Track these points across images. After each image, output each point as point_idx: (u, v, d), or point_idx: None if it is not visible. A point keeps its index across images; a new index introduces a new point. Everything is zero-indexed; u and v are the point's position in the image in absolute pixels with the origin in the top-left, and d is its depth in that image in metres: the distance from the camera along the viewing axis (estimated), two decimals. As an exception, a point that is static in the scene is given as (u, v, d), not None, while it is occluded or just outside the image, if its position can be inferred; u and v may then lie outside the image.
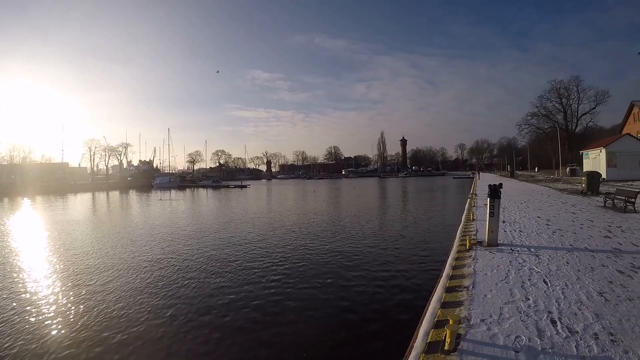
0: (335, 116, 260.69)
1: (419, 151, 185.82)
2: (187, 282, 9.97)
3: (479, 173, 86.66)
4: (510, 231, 10.47)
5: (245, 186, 76.25)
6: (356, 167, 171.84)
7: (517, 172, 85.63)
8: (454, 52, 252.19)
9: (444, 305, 5.12)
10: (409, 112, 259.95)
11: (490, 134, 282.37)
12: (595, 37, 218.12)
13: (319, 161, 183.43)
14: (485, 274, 6.39)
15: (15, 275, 10.82)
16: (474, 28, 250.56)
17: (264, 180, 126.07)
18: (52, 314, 7.71)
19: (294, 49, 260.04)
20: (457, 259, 7.61)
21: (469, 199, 22.50)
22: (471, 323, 4.42)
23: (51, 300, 8.55)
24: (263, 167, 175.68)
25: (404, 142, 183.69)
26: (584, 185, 23.04)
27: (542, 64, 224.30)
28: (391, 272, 10.58)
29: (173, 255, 13.26)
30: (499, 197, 8.65)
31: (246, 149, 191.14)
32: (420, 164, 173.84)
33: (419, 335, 4.36)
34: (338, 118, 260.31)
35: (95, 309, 7.91)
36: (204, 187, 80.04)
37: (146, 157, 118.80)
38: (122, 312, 7.74)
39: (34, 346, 6.27)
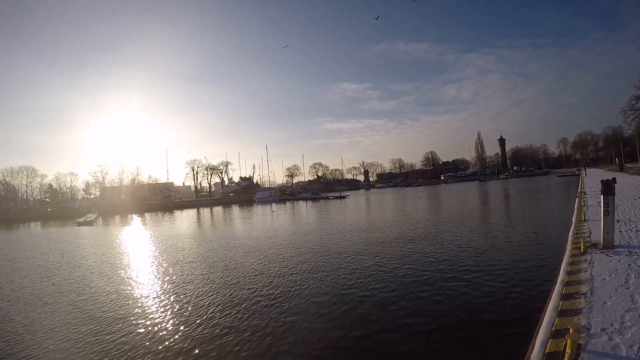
0: (427, 121, 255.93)
1: (519, 150, 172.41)
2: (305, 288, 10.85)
3: (585, 169, 78.02)
4: (626, 231, 9.69)
5: (344, 197, 76.78)
6: (455, 171, 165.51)
7: (626, 164, 74.82)
8: (540, 42, 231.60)
9: (561, 313, 5.04)
10: (502, 109, 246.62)
11: (593, 125, 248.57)
12: None
13: (416, 168, 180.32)
14: (603, 279, 6.23)
15: (147, 282, 12.84)
16: (555, 12, 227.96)
17: (362, 190, 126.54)
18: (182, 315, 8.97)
19: (377, 58, 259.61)
20: (571, 263, 7.42)
21: (577, 198, 20.84)
22: (591, 332, 4.36)
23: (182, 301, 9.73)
24: (361, 177, 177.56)
25: (502, 141, 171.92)
26: None
27: (636, 40, 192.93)
28: (501, 279, 10.49)
29: (288, 264, 14.63)
30: (613, 194, 8.19)
31: (342, 160, 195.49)
32: (521, 164, 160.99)
33: (535, 345, 4.27)
34: (431, 122, 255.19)
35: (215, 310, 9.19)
36: (303, 199, 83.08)
37: (246, 174, 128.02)
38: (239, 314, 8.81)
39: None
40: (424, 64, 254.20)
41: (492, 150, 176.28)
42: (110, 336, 8.55)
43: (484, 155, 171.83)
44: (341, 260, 14.85)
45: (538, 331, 4.73)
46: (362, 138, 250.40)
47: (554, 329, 4.63)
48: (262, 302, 10.24)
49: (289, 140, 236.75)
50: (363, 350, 7.02)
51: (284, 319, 8.85)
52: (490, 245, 15.62)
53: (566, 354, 3.91)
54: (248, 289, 11.77)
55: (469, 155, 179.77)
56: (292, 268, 14.19)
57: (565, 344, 4.00)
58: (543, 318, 5.12)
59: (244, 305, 10.08)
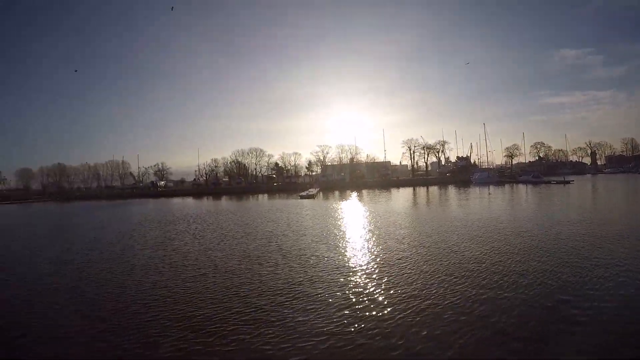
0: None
1: None
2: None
3: None
4: None
5: (568, 182, 64.80)
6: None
7: None
8: None
9: None
10: None
11: None
12: None
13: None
14: None
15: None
16: None
17: (588, 175, 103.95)
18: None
19: (595, 14, 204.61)
20: None
21: None
22: None
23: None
24: (587, 160, 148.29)
25: None
26: None
27: None
28: None
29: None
30: None
31: (567, 140, 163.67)
32: None
33: None
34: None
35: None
36: (523, 182, 75.16)
37: (463, 153, 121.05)
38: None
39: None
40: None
41: None
42: (330, 301, 8.76)
43: None
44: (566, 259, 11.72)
45: None
46: (587, 113, 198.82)
47: None
48: (485, 293, 8.92)
49: (506, 118, 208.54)
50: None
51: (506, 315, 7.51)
52: None
53: None
54: (468, 275, 10.52)
55: None
56: (510, 261, 11.96)
57: None
58: None
59: (461, 288, 9.30)
